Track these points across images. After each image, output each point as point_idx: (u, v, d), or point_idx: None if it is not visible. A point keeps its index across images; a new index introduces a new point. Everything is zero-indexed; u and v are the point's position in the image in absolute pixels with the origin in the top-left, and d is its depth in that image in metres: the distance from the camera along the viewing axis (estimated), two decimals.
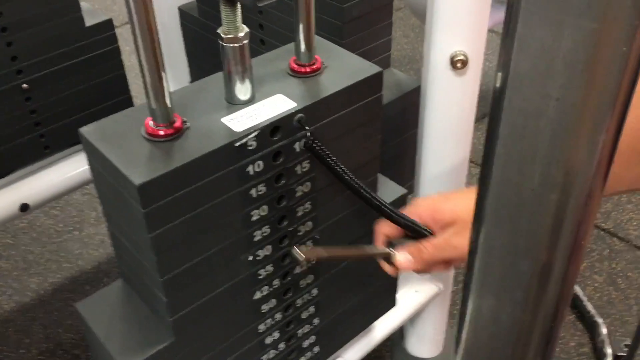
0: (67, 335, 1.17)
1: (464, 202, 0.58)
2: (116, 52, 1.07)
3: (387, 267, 0.63)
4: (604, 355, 1.04)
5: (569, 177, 0.31)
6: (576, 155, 0.30)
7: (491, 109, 0.32)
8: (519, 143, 0.31)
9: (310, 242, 0.63)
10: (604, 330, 1.08)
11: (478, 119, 0.84)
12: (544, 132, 0.30)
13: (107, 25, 1.03)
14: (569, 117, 0.29)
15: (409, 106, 0.89)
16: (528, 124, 0.31)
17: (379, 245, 0.63)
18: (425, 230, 0.61)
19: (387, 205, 0.60)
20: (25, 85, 0.98)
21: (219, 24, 0.51)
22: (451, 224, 0.58)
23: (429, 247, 0.59)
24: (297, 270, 0.64)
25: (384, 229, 0.63)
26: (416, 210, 0.61)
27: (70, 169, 1.08)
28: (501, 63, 0.30)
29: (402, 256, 0.60)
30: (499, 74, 0.31)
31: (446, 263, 0.60)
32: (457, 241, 0.57)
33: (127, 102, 1.08)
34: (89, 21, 1.01)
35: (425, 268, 0.60)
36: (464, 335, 0.43)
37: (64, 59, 1.00)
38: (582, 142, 0.30)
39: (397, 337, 1.09)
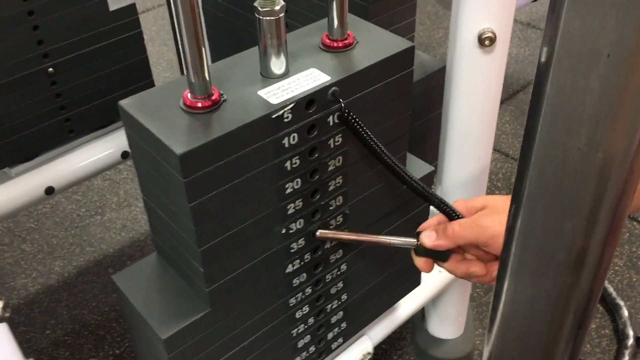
0: (91, 316, 1.18)
1: (500, 197, 0.58)
2: (139, 37, 1.08)
3: (417, 262, 0.61)
4: (626, 336, 1.04)
5: (616, 135, 0.32)
6: (625, 112, 0.31)
7: (538, 69, 0.33)
8: (567, 101, 0.32)
9: (341, 218, 0.64)
10: (625, 313, 1.08)
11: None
12: (593, 90, 0.31)
13: (131, 10, 1.04)
14: (619, 73, 0.30)
15: (433, 87, 0.90)
16: (577, 82, 0.31)
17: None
18: (454, 210, 0.60)
19: (418, 181, 0.61)
20: (50, 69, 1.00)
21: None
22: (481, 208, 0.58)
23: (454, 224, 0.58)
24: (328, 245, 0.65)
25: (430, 221, 0.62)
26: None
27: (94, 153, 1.09)
28: (551, 21, 0.31)
29: (426, 233, 0.58)
30: (547, 33, 0.31)
31: (477, 251, 0.59)
32: (484, 221, 0.56)
33: (150, 87, 1.10)
34: (113, 5, 1.02)
35: (450, 245, 0.58)
36: (498, 314, 0.43)
37: (89, 43, 1.02)
38: (631, 99, 0.30)
39: (418, 319, 1.10)
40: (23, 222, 1.39)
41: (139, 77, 1.10)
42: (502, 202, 0.57)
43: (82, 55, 1.02)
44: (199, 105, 0.51)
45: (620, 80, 0.30)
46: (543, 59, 0.32)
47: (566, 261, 0.37)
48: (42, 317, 1.19)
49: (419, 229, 0.61)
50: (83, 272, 1.27)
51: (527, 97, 1.68)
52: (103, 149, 1.10)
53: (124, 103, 0.52)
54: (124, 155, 1.12)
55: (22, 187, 1.03)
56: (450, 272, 0.61)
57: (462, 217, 0.60)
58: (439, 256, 0.59)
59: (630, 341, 1.03)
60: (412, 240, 0.60)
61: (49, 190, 1.06)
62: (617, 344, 1.05)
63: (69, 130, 1.06)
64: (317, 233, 0.61)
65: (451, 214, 0.60)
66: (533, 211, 0.37)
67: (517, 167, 0.37)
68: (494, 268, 0.59)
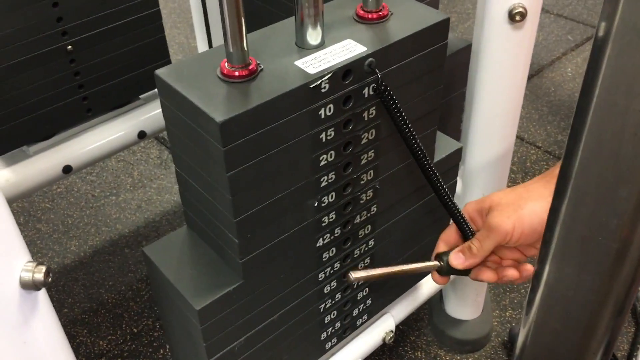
0: (108, 295, 1.19)
1: (502, 193, 0.62)
2: (157, 16, 1.07)
3: (437, 278, 0.65)
4: None
5: None
6: None
7: (597, 30, 0.32)
8: (630, 60, 0.31)
9: (371, 192, 0.64)
10: None
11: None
12: None
13: None
14: None
15: (458, 65, 0.89)
16: None
17: (432, 259, 0.66)
18: (468, 227, 0.64)
19: (436, 172, 0.62)
20: (69, 47, 0.99)
21: None
22: (490, 210, 0.61)
23: (474, 241, 0.61)
24: (357, 220, 0.65)
25: (444, 236, 0.66)
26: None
27: (111, 133, 1.09)
28: None
29: (454, 255, 0.62)
30: None
31: (504, 252, 0.62)
32: (495, 221, 0.59)
33: None
34: None
35: (479, 262, 0.62)
36: (537, 297, 0.42)
37: (108, 20, 1.01)
38: None
39: (436, 300, 1.10)
40: (38, 202, 1.40)
41: (157, 56, 1.10)
42: (506, 198, 0.60)
43: (100, 33, 1.01)
44: (237, 74, 0.51)
45: None
46: (604, 18, 0.32)
47: (619, 228, 0.37)
48: (59, 295, 1.19)
49: (438, 249, 0.66)
50: (99, 252, 1.27)
51: (541, 82, 1.68)
52: (120, 128, 1.10)
53: (161, 72, 0.52)
54: (141, 135, 1.12)
55: (40, 166, 1.03)
56: (477, 280, 0.64)
57: (473, 233, 0.64)
58: (462, 272, 0.64)
59: None
60: (436, 263, 0.64)
61: (67, 169, 1.05)
62: (635, 326, 1.06)
63: (87, 109, 1.06)
64: (351, 276, 0.63)
65: (461, 222, 0.64)
66: (585, 178, 0.37)
67: (570, 128, 0.36)
68: (525, 269, 0.62)
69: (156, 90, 0.51)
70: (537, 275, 0.42)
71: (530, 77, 1.68)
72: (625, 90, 0.33)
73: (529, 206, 0.58)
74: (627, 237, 0.37)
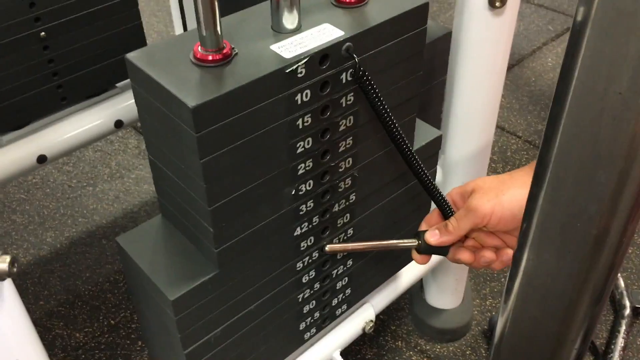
0: (85, 287, 1.17)
1: (486, 177, 0.61)
2: (134, 2, 1.05)
3: (417, 257, 0.64)
4: (622, 307, 1.05)
5: None
6: None
7: (576, 14, 0.31)
8: (609, 43, 0.31)
9: (349, 180, 0.63)
10: (622, 284, 1.09)
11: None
12: (638, 29, 0.29)
13: None
14: None
15: (438, 53, 0.88)
16: (620, 22, 0.30)
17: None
18: (449, 207, 0.64)
19: (417, 157, 0.61)
20: (43, 34, 0.97)
21: None
22: (472, 193, 0.61)
23: (451, 220, 0.61)
24: (336, 208, 0.64)
25: (427, 218, 0.66)
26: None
27: (87, 122, 1.07)
28: None
29: (430, 232, 0.62)
30: None
31: (480, 235, 0.62)
32: (474, 203, 0.59)
33: None
34: None
35: (454, 239, 0.61)
36: (516, 285, 0.42)
37: (82, 6, 0.99)
38: None
39: (417, 289, 1.10)
40: (13, 193, 1.37)
41: (134, 43, 1.07)
42: (490, 182, 0.60)
43: (75, 19, 0.99)
44: (210, 58, 0.49)
45: None
46: (583, 2, 0.31)
47: (598, 214, 0.36)
48: (34, 288, 1.17)
49: (420, 229, 0.65)
50: (76, 243, 1.25)
51: (522, 72, 1.68)
52: (96, 117, 1.08)
53: (132, 56, 0.50)
54: (118, 124, 1.10)
55: (14, 155, 1.01)
56: (455, 262, 0.63)
57: (451, 211, 0.64)
58: (440, 251, 0.63)
59: (627, 311, 1.04)
60: (414, 241, 0.63)
61: (41, 159, 1.03)
62: (614, 314, 1.06)
63: (62, 97, 1.04)
64: (326, 248, 0.65)
65: (443, 205, 0.64)
66: (564, 162, 0.36)
67: (548, 114, 0.35)
68: (504, 253, 0.61)
69: None
70: (515, 263, 0.41)
71: (510, 67, 1.68)
72: (605, 72, 0.32)
73: (510, 192, 0.58)
74: (606, 223, 0.37)
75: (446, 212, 0.64)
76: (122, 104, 1.09)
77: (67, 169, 1.43)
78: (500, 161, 1.42)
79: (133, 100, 1.11)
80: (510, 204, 0.57)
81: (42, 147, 1.03)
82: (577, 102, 0.33)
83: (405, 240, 0.64)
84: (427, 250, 0.63)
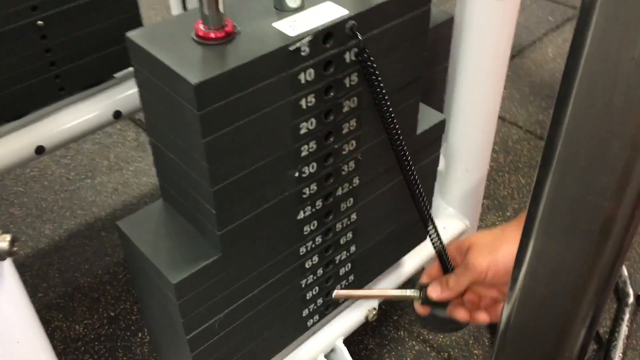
0: (85, 279, 1.16)
1: (480, 234, 0.66)
2: None
3: (418, 308, 0.68)
4: (626, 295, 1.05)
5: None
6: None
7: None
8: (622, 6, 0.30)
9: (353, 164, 0.62)
10: (625, 272, 1.09)
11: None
12: None
13: None
14: None
15: (439, 40, 0.88)
16: None
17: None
18: (449, 261, 0.67)
19: (411, 163, 0.61)
20: (40, 22, 0.96)
21: None
22: (468, 249, 0.64)
23: (452, 275, 0.65)
24: (339, 192, 0.63)
25: (430, 270, 0.69)
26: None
27: (86, 112, 1.06)
28: None
29: (432, 288, 0.66)
30: None
31: (481, 289, 0.65)
32: (472, 260, 0.63)
33: None
34: None
35: (454, 295, 0.65)
36: (521, 274, 0.41)
37: None
38: None
39: (418, 278, 1.09)
40: (11, 186, 1.36)
41: None
42: (484, 239, 0.64)
43: (73, 8, 0.98)
44: (212, 36, 0.48)
45: None
46: None
47: (610, 186, 0.35)
48: (33, 280, 1.16)
49: (421, 280, 0.69)
50: (74, 236, 1.24)
51: (522, 62, 1.67)
52: (95, 108, 1.07)
53: (133, 34, 0.50)
54: (116, 115, 1.09)
55: (11, 146, 1.00)
56: (453, 317, 0.67)
57: (451, 268, 0.67)
58: (440, 305, 0.67)
59: (631, 299, 1.03)
60: (416, 292, 0.67)
61: (39, 150, 1.02)
62: (617, 302, 1.06)
63: (60, 87, 1.03)
64: (333, 294, 0.68)
65: (445, 258, 0.68)
66: (576, 133, 0.35)
67: (558, 89, 0.34)
68: (498, 308, 0.66)
69: (131, 69, 0.49)
70: (521, 248, 0.40)
71: (511, 57, 1.67)
72: (618, 37, 0.31)
73: (503, 249, 0.62)
74: (619, 196, 0.36)
75: (445, 263, 0.67)
76: (120, 95, 1.08)
77: (65, 161, 1.42)
78: (502, 151, 1.41)
79: (132, 91, 1.10)
80: (504, 259, 0.62)
81: (40, 138, 1.02)
82: (590, 69, 0.33)
83: (408, 291, 0.67)
84: (427, 302, 0.66)
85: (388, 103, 0.58)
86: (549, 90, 1.58)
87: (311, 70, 0.52)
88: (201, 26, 0.49)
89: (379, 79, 0.56)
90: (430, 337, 1.06)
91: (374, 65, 0.55)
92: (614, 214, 0.36)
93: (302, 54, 0.50)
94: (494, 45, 0.78)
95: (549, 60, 1.68)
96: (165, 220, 0.59)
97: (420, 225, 0.81)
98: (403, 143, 0.61)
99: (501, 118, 1.49)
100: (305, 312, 0.70)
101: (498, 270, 0.62)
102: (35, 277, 1.17)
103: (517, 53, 1.70)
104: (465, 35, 0.78)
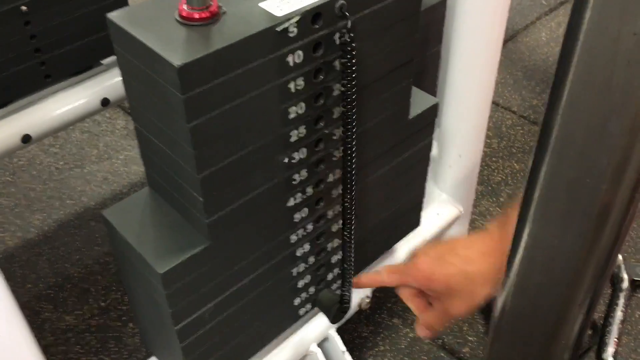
0: (74, 269, 1.14)
1: (458, 269, 0.64)
2: None
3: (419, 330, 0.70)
4: (620, 280, 1.04)
5: None
6: None
7: None
8: None
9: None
10: (619, 256, 1.08)
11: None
12: None
13: None
14: None
15: (432, 22, 0.86)
16: None
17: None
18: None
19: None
20: (24, 8, 0.93)
21: None
22: (444, 294, 0.64)
23: (436, 320, 0.67)
24: (330, 178, 0.62)
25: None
26: (414, 273, 0.67)
27: (73, 100, 1.04)
28: None
29: (419, 328, 0.69)
30: None
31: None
32: (453, 310, 0.64)
33: None
34: None
35: (442, 327, 0.68)
36: (517, 259, 0.40)
37: None
38: None
39: None
40: None
41: None
42: (460, 283, 0.63)
43: None
44: (197, 16, 0.47)
45: None
46: None
47: (609, 167, 0.34)
48: (22, 271, 1.14)
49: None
50: (64, 226, 1.22)
51: (516, 47, 1.65)
52: (82, 95, 1.05)
53: (113, 15, 0.48)
54: (104, 102, 1.07)
55: None
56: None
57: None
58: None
59: (625, 284, 1.02)
60: None
61: (26, 139, 1.00)
62: (612, 287, 1.05)
63: (45, 74, 1.01)
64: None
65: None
66: (574, 111, 0.34)
67: (556, 65, 0.33)
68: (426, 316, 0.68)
69: None
70: (517, 233, 0.39)
71: (504, 42, 1.65)
72: (619, 11, 0.30)
73: (450, 259, 0.64)
74: (618, 177, 0.34)
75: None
76: (108, 82, 1.06)
77: (53, 150, 1.40)
78: (495, 136, 1.40)
79: (120, 78, 1.07)
80: (446, 270, 0.64)
81: (26, 126, 1.00)
82: (589, 44, 0.31)
83: None
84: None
85: (354, 97, 0.54)
86: (542, 74, 1.57)
87: (300, 52, 0.50)
88: (185, 6, 0.47)
89: (354, 68, 0.52)
90: None
91: (353, 52, 0.51)
92: (613, 197, 0.35)
93: (290, 35, 0.48)
94: (487, 28, 0.76)
95: (542, 44, 1.67)
96: (151, 209, 0.57)
97: (414, 210, 0.80)
98: (354, 142, 0.57)
99: (495, 103, 1.48)
100: (297, 301, 0.68)
101: (437, 279, 0.63)
102: (25, 267, 1.15)
103: (511, 37, 1.68)
104: (458, 18, 0.77)
